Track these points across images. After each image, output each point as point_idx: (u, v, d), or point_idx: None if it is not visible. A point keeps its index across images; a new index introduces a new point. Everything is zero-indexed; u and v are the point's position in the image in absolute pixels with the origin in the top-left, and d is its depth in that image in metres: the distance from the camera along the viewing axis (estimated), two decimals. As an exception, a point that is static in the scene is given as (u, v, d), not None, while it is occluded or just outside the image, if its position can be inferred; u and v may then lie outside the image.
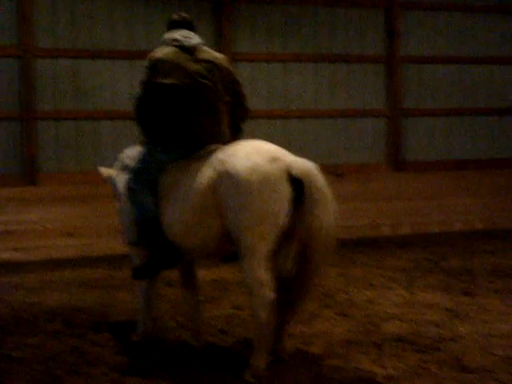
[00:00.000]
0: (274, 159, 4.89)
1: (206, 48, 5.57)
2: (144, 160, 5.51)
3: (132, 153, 5.82)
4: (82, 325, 6.36)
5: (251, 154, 4.92)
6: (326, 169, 12.69)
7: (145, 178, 5.43)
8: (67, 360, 5.39)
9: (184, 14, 5.79)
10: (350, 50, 12.27)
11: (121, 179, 5.80)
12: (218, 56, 5.56)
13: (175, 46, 5.45)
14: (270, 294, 4.83)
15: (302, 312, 6.55)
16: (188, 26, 5.65)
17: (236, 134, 5.67)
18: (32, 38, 10.49)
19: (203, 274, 8.54)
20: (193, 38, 5.51)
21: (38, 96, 10.57)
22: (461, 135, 12.92)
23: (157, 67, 5.37)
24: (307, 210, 4.89)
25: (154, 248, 5.42)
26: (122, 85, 10.97)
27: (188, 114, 5.33)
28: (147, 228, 5.39)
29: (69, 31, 10.75)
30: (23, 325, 6.41)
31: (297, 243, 5.00)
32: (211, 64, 5.42)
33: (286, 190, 4.85)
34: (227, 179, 4.91)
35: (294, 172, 4.85)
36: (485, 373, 4.92)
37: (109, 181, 6.08)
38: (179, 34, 5.51)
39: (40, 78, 10.57)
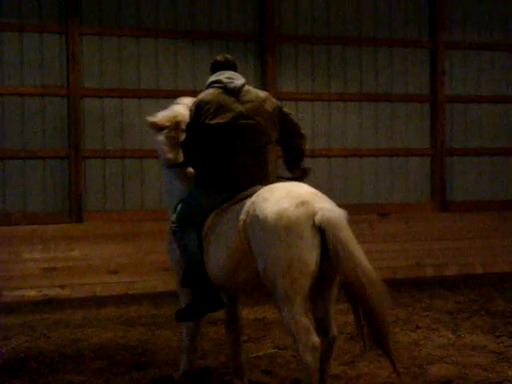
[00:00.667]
0: (303, 203, 4.80)
1: (249, 88, 5.65)
2: (188, 203, 5.55)
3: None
4: (125, 363, 6.38)
5: (282, 198, 4.87)
6: (370, 208, 12.71)
7: (189, 221, 5.45)
8: (111, 398, 5.40)
9: (227, 56, 5.93)
10: (394, 89, 12.25)
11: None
12: (261, 95, 5.60)
13: (219, 87, 5.53)
14: (315, 338, 4.77)
15: (345, 353, 6.51)
16: (231, 67, 5.75)
17: (297, 163, 5.75)
18: (79, 77, 10.68)
19: (246, 313, 8.53)
20: (237, 79, 5.59)
21: (86, 135, 10.74)
22: (506, 175, 12.76)
23: (201, 109, 5.44)
24: (332, 258, 4.76)
25: (198, 291, 5.42)
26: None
27: (231, 155, 5.37)
28: (191, 270, 5.41)
29: (115, 71, 10.93)
30: (68, 362, 6.46)
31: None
32: (256, 103, 5.48)
33: (312, 236, 4.75)
34: (256, 223, 4.90)
35: (316, 219, 4.75)
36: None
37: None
38: (223, 76, 5.59)
39: (87, 118, 10.74)
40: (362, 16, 12.11)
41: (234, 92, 5.50)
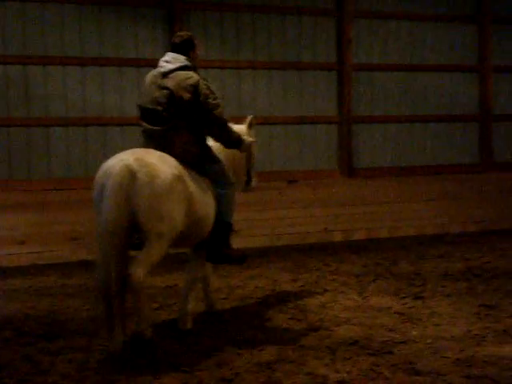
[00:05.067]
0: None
1: (178, 73, 6.05)
2: None
3: None
4: (33, 333, 6.29)
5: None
6: (279, 175, 12.85)
7: None
8: (19, 369, 5.32)
9: (179, 35, 6.39)
10: (302, 57, 12.34)
11: None
12: (181, 83, 5.99)
13: (157, 70, 6.17)
14: None
15: (255, 317, 6.60)
16: (180, 47, 6.24)
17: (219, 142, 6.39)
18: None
19: (157, 281, 8.53)
20: (171, 63, 6.11)
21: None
22: (410, 142, 13.09)
23: (142, 87, 6.31)
24: None
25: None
26: (73, 92, 10.89)
27: (143, 136, 6.17)
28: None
29: (20, 37, 10.62)
30: (-27, 334, 6.32)
31: None
32: (171, 90, 5.97)
33: None
34: None
35: None
36: (437, 376, 4.97)
37: None
38: (163, 59, 6.19)
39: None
40: (270, -16, 12.14)
41: (163, 76, 6.05)
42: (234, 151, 6.58)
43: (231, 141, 6.38)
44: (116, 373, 5.19)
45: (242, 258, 6.51)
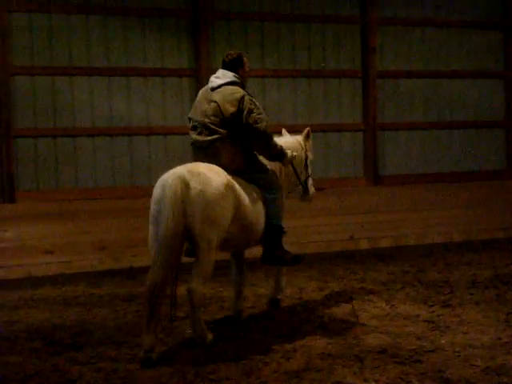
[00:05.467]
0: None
1: (226, 88, 6.49)
2: None
3: None
4: (62, 342, 6.33)
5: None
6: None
7: None
8: (48, 378, 5.36)
9: (228, 54, 6.81)
10: (326, 65, 12.33)
11: None
12: (227, 97, 6.41)
13: (208, 85, 6.67)
14: None
15: (282, 326, 6.59)
16: (227, 65, 6.70)
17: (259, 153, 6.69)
18: (9, 55, 10.46)
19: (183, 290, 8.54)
20: (220, 79, 6.58)
21: (17, 114, 10.53)
22: (438, 148, 13.02)
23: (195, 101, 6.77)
24: None
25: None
26: (99, 102, 10.98)
27: (191, 146, 6.61)
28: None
29: (46, 48, 10.72)
30: (3, 343, 6.37)
31: None
32: (218, 103, 6.40)
33: None
34: None
35: None
36: (466, 384, 4.95)
37: None
38: (214, 75, 6.68)
39: (18, 96, 10.54)
40: (295, -8, 12.16)
41: (212, 90, 6.54)
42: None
43: (273, 154, 6.70)
44: (144, 382, 5.21)
45: (296, 259, 6.79)
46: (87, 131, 10.92)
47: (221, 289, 8.47)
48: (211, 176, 5.97)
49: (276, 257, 6.66)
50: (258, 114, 6.44)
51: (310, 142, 7.50)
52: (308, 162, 7.42)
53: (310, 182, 7.48)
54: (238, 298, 7.05)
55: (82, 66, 10.90)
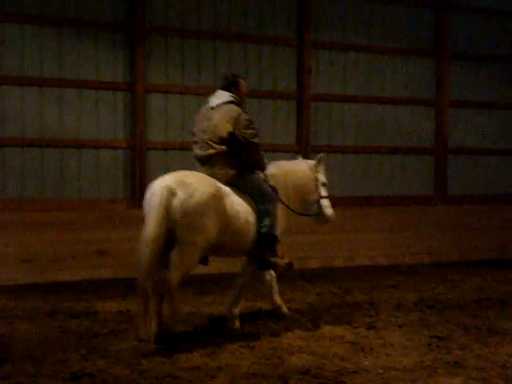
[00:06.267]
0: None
1: (223, 107, 7.20)
2: None
3: None
4: (-19, 357, 6.15)
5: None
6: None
7: None
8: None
9: (225, 76, 7.64)
10: (262, 86, 12.41)
11: None
12: (222, 117, 7.12)
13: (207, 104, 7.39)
14: None
15: (207, 344, 6.56)
16: (225, 86, 7.45)
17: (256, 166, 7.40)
18: None
19: (109, 306, 8.44)
20: (217, 99, 7.31)
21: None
22: (368, 172, 13.21)
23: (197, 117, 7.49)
24: None
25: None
26: (30, 112, 10.79)
27: (195, 158, 7.29)
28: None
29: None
30: None
31: None
32: (214, 121, 7.12)
33: None
34: None
35: None
36: (386, 405, 5.00)
37: None
38: (213, 95, 7.40)
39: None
40: (233, 12, 12.21)
41: (211, 109, 7.26)
42: (287, 181, 7.75)
43: (260, 164, 7.43)
44: None
45: (289, 266, 7.38)
46: (16, 141, 10.71)
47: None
48: (197, 186, 6.64)
49: (270, 263, 7.27)
50: (253, 129, 7.24)
51: (323, 166, 8.07)
52: (319, 183, 7.96)
53: (325, 203, 8.01)
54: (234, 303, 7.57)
55: (13, 76, 10.70)
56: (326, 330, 7.28)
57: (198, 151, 7.24)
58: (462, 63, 14.02)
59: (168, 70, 11.73)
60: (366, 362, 6.09)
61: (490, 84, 14.25)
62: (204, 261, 7.19)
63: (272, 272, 7.71)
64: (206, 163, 7.16)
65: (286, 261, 7.37)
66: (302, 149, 12.46)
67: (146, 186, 11.19)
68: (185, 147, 11.74)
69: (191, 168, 7.22)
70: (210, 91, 11.90)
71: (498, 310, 8.37)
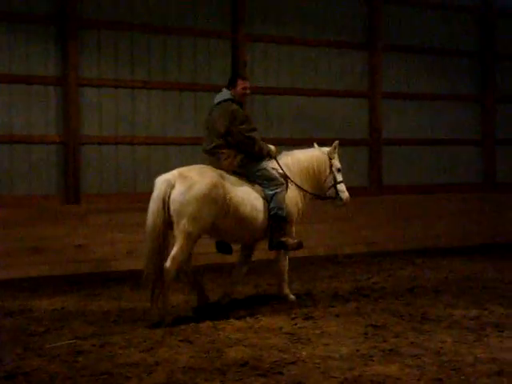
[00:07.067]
0: None
1: (222, 104, 7.84)
2: None
3: None
4: None
5: None
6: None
7: None
8: None
9: (230, 76, 8.51)
10: (197, 79, 12.36)
11: None
12: (221, 114, 7.78)
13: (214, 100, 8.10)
14: None
15: (145, 340, 6.52)
16: (227, 85, 8.07)
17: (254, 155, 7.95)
18: None
19: (45, 304, 8.32)
20: (220, 97, 7.94)
21: None
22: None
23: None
24: None
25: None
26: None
27: (203, 151, 7.99)
28: None
29: None
30: None
31: None
32: (214, 117, 7.85)
33: None
34: None
35: None
36: (324, 395, 5.05)
37: None
38: (219, 93, 8.04)
39: None
40: (167, 5, 12.13)
41: (214, 106, 7.95)
42: (302, 168, 8.36)
43: (263, 154, 8.01)
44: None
45: (299, 245, 8.06)
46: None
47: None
48: (197, 179, 7.27)
49: (279, 242, 7.89)
50: (249, 123, 7.87)
51: (337, 152, 8.61)
52: (333, 169, 8.52)
53: (341, 187, 8.59)
54: (233, 283, 8.25)
55: None
56: (265, 321, 7.31)
57: (204, 145, 7.91)
58: (395, 55, 14.24)
59: (101, 64, 11.59)
60: (304, 353, 6.12)
61: (421, 75, 14.50)
62: (228, 250, 8.07)
63: (285, 263, 8.28)
64: (212, 155, 7.79)
65: (296, 240, 8.00)
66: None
67: (79, 182, 11.20)
68: (119, 142, 11.69)
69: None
70: (144, 84, 12.03)
71: (432, 298, 8.53)
